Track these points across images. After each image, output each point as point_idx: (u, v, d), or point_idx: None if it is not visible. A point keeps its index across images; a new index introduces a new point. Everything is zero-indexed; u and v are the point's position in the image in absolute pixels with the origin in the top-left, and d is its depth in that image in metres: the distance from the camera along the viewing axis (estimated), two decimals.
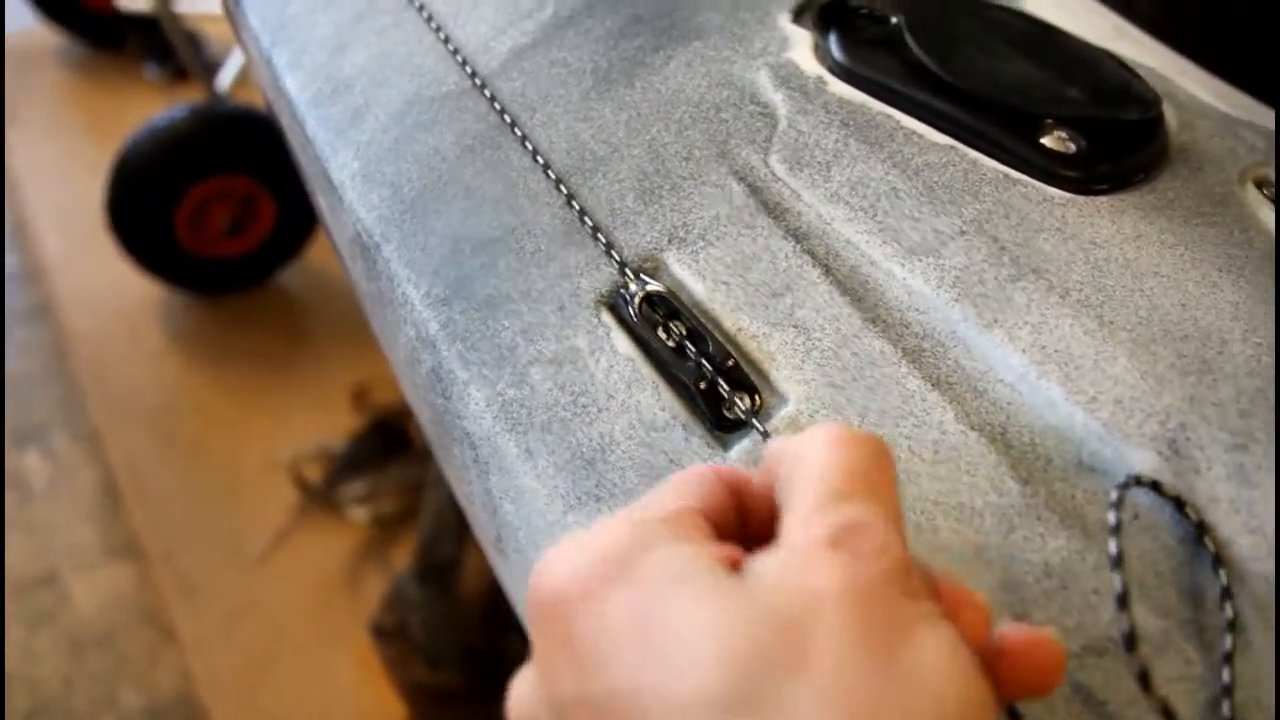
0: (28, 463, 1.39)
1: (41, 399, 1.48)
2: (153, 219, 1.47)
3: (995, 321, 0.34)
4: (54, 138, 1.97)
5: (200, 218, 1.50)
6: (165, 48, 1.98)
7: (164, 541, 1.28)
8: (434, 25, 0.48)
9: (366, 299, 0.47)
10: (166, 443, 1.41)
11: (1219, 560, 0.30)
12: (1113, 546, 0.28)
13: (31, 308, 1.65)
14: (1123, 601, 0.27)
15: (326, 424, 1.40)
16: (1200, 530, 0.31)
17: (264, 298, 1.62)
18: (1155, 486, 0.31)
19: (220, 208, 1.51)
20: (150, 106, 2.00)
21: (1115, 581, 0.27)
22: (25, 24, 2.12)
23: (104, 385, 1.49)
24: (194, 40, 1.88)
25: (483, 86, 0.44)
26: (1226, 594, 0.30)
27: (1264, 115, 0.52)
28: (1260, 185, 0.46)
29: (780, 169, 0.39)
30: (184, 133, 1.46)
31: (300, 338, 1.59)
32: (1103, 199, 0.40)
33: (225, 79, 1.66)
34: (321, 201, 0.49)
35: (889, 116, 0.41)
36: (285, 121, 0.52)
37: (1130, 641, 0.27)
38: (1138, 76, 0.47)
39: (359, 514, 1.30)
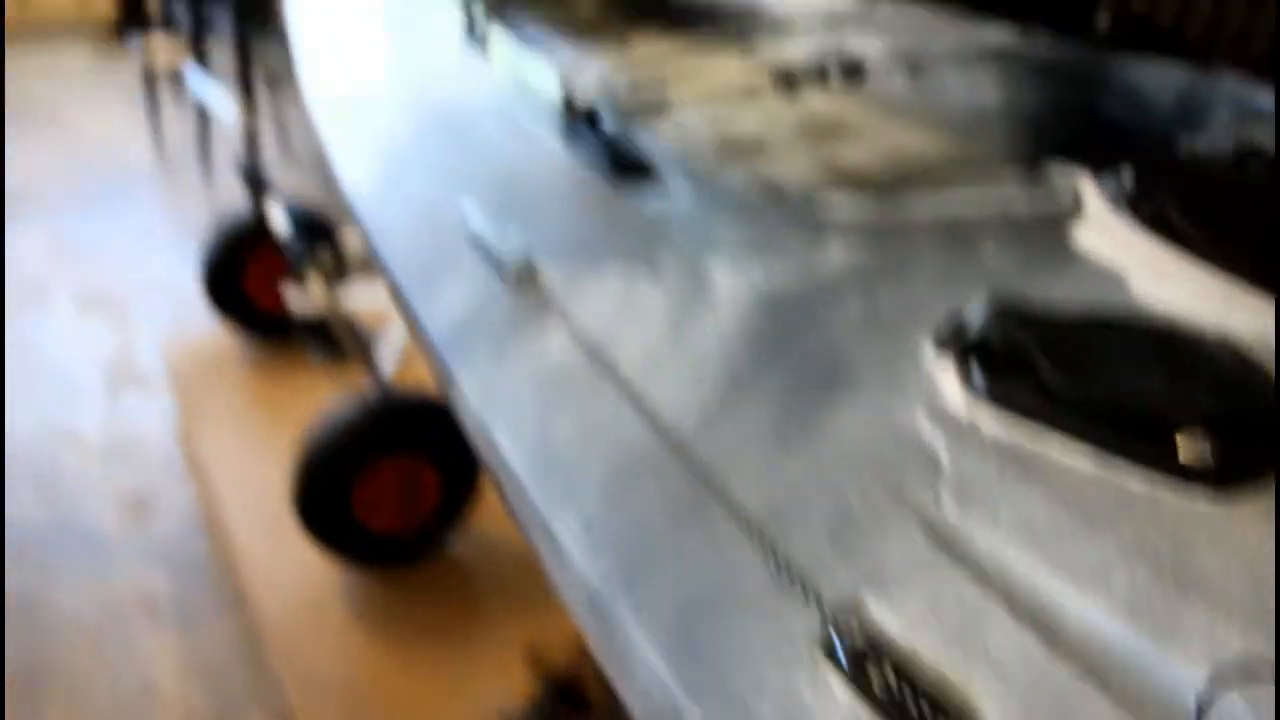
0: None
1: (238, 684, 1.59)
2: (332, 503, 1.61)
3: (1170, 642, 0.39)
4: (238, 430, 2.17)
5: (374, 497, 1.63)
6: (328, 336, 2.20)
7: None
8: (628, 395, 0.57)
9: (594, 640, 0.54)
10: (355, 716, 1.49)
11: None
12: None
13: (222, 595, 1.78)
14: None
15: (503, 687, 1.45)
16: None
17: (435, 567, 1.73)
18: None
19: (391, 486, 1.64)
20: (319, 391, 2.21)
21: None
22: (206, 327, 2.39)
23: (296, 667, 1.59)
24: (353, 329, 2.09)
25: (682, 453, 0.52)
26: None
27: None
28: None
29: (952, 511, 0.45)
30: (356, 424, 1.61)
31: (471, 603, 1.67)
32: (1244, 492, 0.45)
33: (387, 366, 1.83)
34: (542, 551, 0.57)
35: (1038, 445, 0.47)
36: (502, 480, 0.61)
37: None
38: (1254, 366, 0.52)
39: None
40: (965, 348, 0.52)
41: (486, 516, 1.75)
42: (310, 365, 2.30)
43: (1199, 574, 0.41)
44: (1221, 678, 0.35)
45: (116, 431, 2.15)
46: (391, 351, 1.86)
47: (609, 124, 0.82)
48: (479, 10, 1.39)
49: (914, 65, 1.35)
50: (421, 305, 0.73)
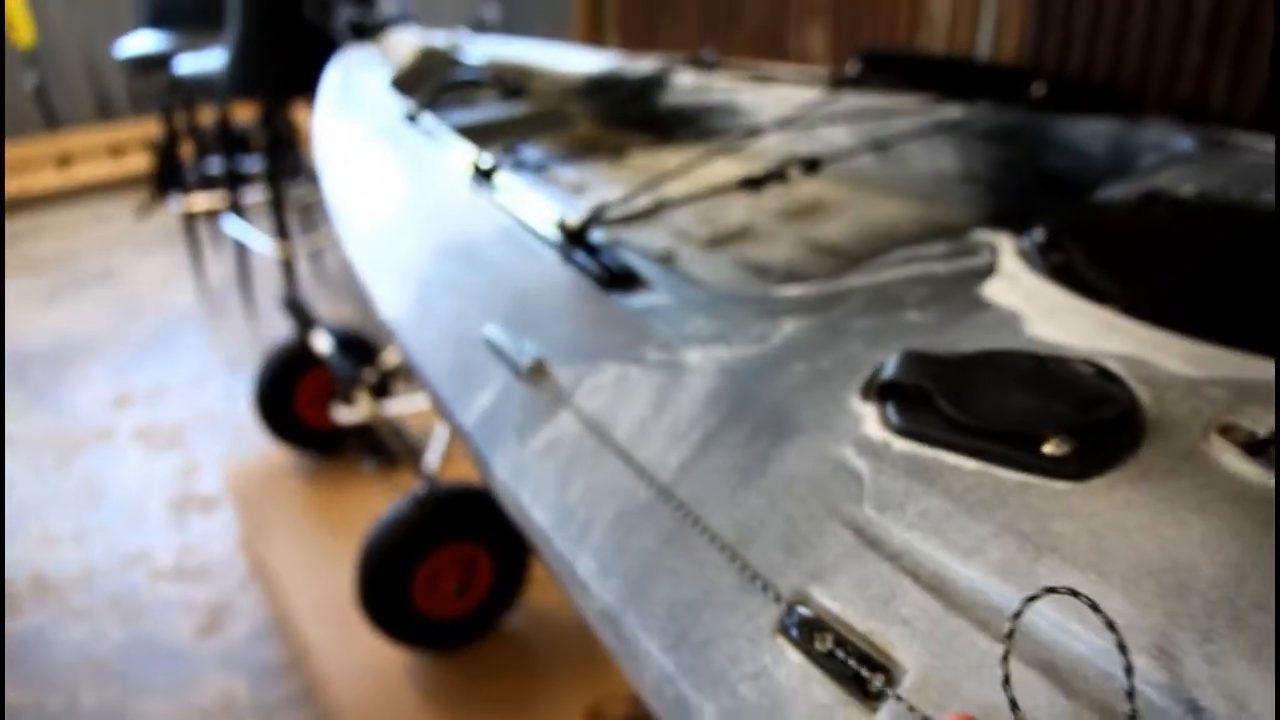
0: None
1: None
2: (395, 597, 1.75)
3: (1031, 590, 0.52)
4: (300, 538, 2.33)
5: (433, 586, 1.77)
6: (377, 444, 2.37)
7: None
8: (624, 456, 0.72)
9: (615, 653, 0.67)
10: None
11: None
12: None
13: (297, 692, 1.92)
14: None
15: None
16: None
17: (496, 645, 1.86)
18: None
19: (448, 574, 1.78)
20: (373, 495, 2.37)
21: None
22: (262, 449, 2.57)
23: None
24: (399, 433, 2.26)
25: (667, 497, 0.67)
26: None
27: (1229, 362, 0.70)
28: (1221, 431, 0.62)
29: (872, 513, 0.59)
30: (411, 519, 1.76)
31: (532, 673, 1.80)
32: (1097, 480, 0.58)
33: (433, 462, 1.99)
34: (567, 586, 0.72)
35: (937, 458, 0.61)
36: (532, 536, 0.76)
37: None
38: (1113, 378, 0.66)
39: None
40: (881, 391, 0.67)
41: (539, 592, 1.89)
42: (363, 474, 2.47)
43: (1054, 541, 0.55)
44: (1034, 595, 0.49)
45: (185, 550, 2.32)
46: (436, 451, 2.02)
47: (599, 239, 0.98)
48: (415, 105, 1.58)
49: (879, 145, 1.52)
50: (458, 407, 0.88)
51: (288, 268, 3.08)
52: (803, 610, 0.57)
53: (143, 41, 3.32)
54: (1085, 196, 1.15)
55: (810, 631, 0.56)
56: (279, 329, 3.17)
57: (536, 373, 0.83)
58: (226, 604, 2.14)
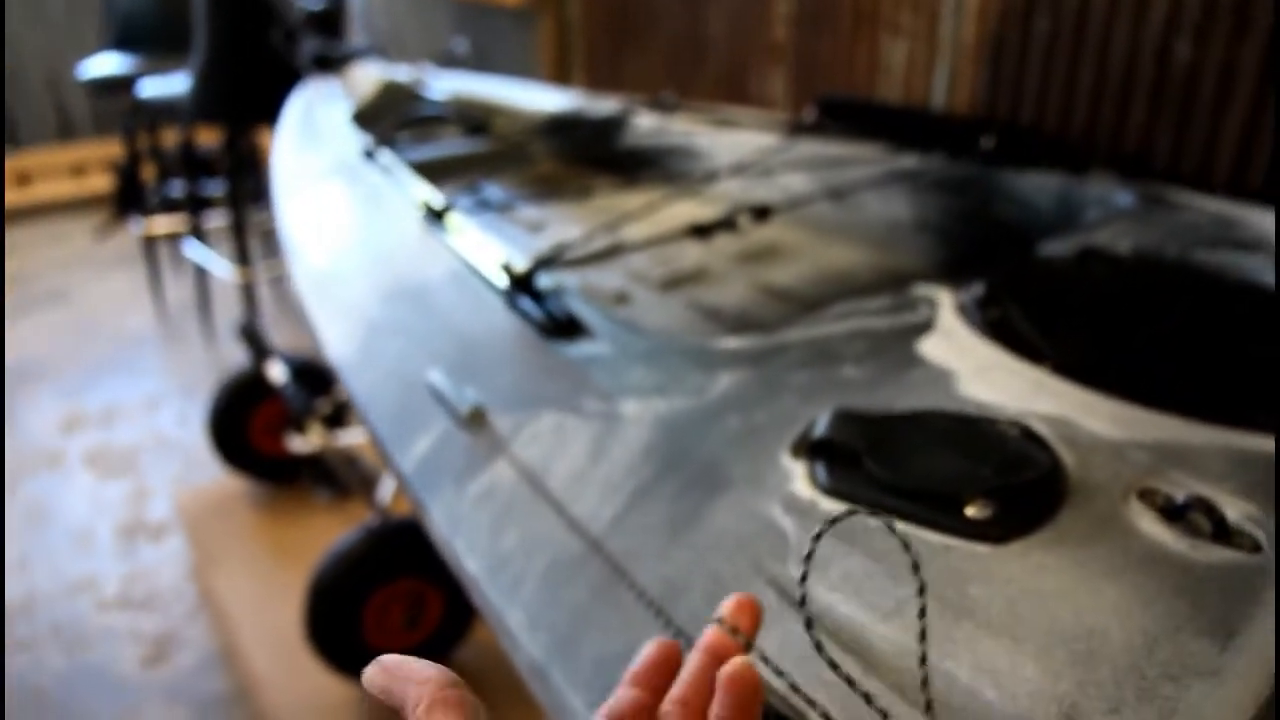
0: None
1: None
2: (344, 629, 1.74)
3: (946, 656, 0.53)
4: (250, 568, 2.30)
5: (382, 619, 1.76)
6: (330, 474, 2.35)
7: None
8: (557, 508, 0.72)
9: (545, 706, 0.67)
10: None
11: None
12: None
13: None
14: None
15: None
16: None
17: None
18: None
19: (398, 607, 1.77)
20: (325, 526, 2.35)
21: None
22: (215, 476, 2.54)
23: None
24: (352, 463, 2.25)
25: (598, 548, 0.67)
26: None
27: (1154, 425, 0.72)
28: (1141, 496, 0.64)
29: (796, 573, 0.60)
30: (360, 552, 1.75)
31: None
32: (1016, 544, 0.59)
33: (385, 496, 1.98)
34: (500, 637, 0.72)
35: (863, 519, 0.62)
36: (466, 585, 0.76)
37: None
38: (1037, 441, 0.68)
39: None
40: (811, 450, 0.68)
41: (487, 627, 1.88)
42: (316, 504, 2.45)
43: (971, 605, 0.56)
44: None
45: (133, 578, 2.28)
46: (389, 484, 2.01)
47: (546, 284, 0.99)
48: (373, 141, 1.59)
49: (833, 193, 1.54)
50: (397, 451, 0.88)
51: (248, 293, 3.07)
52: None
53: (107, 63, 3.30)
54: (1027, 248, 1.17)
55: None
56: (237, 355, 3.15)
57: (475, 420, 0.84)
58: (174, 634, 2.11)
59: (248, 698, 1.94)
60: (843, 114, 1.77)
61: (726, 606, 0.53)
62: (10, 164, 4.61)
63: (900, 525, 0.62)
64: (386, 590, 1.75)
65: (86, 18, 4.46)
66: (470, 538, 0.75)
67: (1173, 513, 0.61)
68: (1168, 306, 0.99)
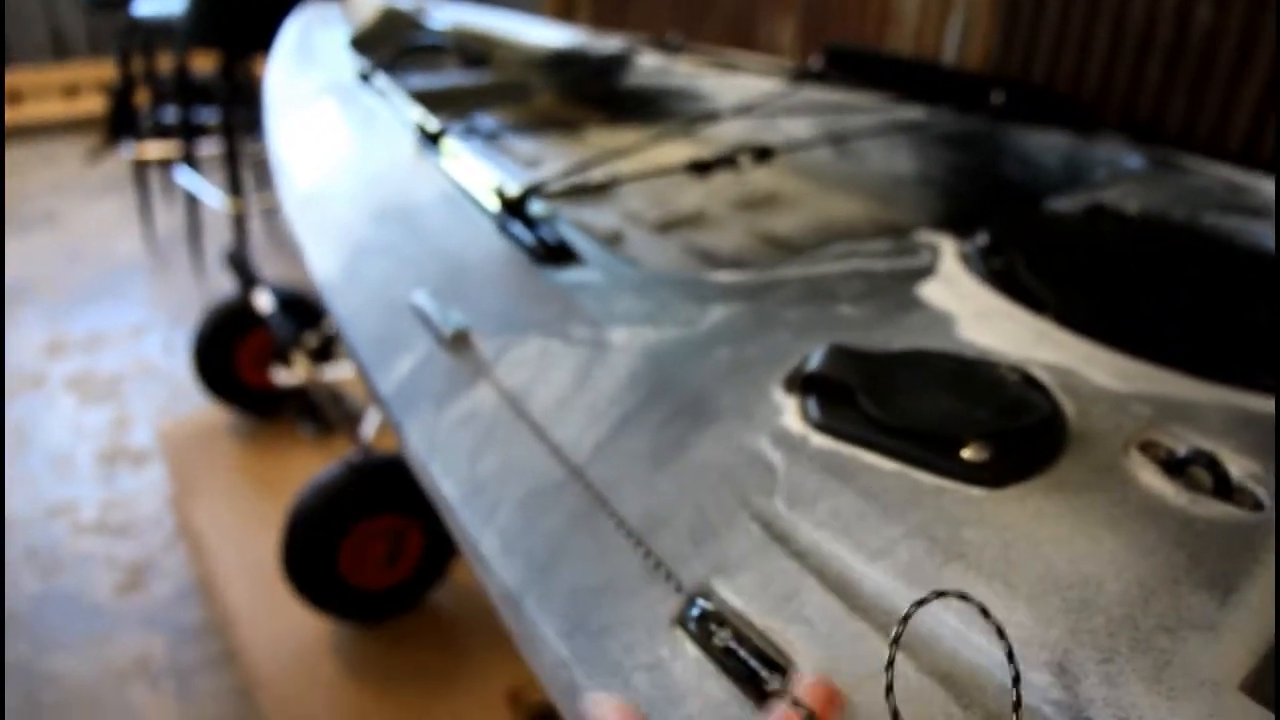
0: None
1: None
2: (321, 563, 1.72)
3: (935, 597, 0.51)
4: (230, 500, 2.28)
5: (361, 555, 1.74)
6: (315, 409, 2.33)
7: None
8: (539, 433, 0.70)
9: (515, 635, 0.66)
10: None
11: None
12: None
13: (217, 655, 1.88)
14: None
15: None
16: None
17: (421, 619, 1.83)
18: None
19: (377, 544, 1.75)
20: (308, 460, 2.33)
21: None
22: (199, 406, 2.52)
23: (290, 718, 1.68)
24: (337, 399, 2.22)
25: (578, 476, 0.65)
26: None
27: (1155, 379, 0.69)
28: (1142, 448, 0.62)
29: (783, 508, 0.58)
30: (341, 485, 1.72)
31: (456, 648, 1.78)
32: (1013, 489, 0.57)
33: (369, 431, 1.96)
34: (473, 564, 0.70)
35: (855, 456, 0.60)
36: (440, 509, 0.74)
37: None
38: (1037, 386, 0.65)
39: None
40: (803, 384, 0.65)
41: (467, 568, 1.87)
42: (300, 438, 2.42)
43: (963, 547, 0.53)
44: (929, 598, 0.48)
45: (111, 505, 2.26)
46: (373, 420, 1.99)
47: (538, 212, 0.96)
48: (370, 65, 1.55)
49: (835, 139, 1.51)
50: (377, 372, 0.86)
51: (239, 224, 3.02)
52: (704, 603, 0.55)
53: None
54: (1032, 204, 1.14)
55: (709, 625, 0.54)
56: (226, 285, 3.11)
57: (459, 341, 0.81)
58: (150, 562, 2.09)
59: (223, 629, 1.93)
60: (850, 63, 1.73)
61: (805, 687, 0.48)
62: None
63: (893, 465, 0.60)
64: (365, 526, 1.73)
65: None
66: (447, 461, 0.72)
67: (1174, 466, 0.59)
68: (1173, 267, 0.96)
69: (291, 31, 1.89)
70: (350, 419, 2.10)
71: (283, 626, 1.88)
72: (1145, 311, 0.84)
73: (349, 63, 1.62)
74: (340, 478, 1.73)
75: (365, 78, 1.50)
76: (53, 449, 2.43)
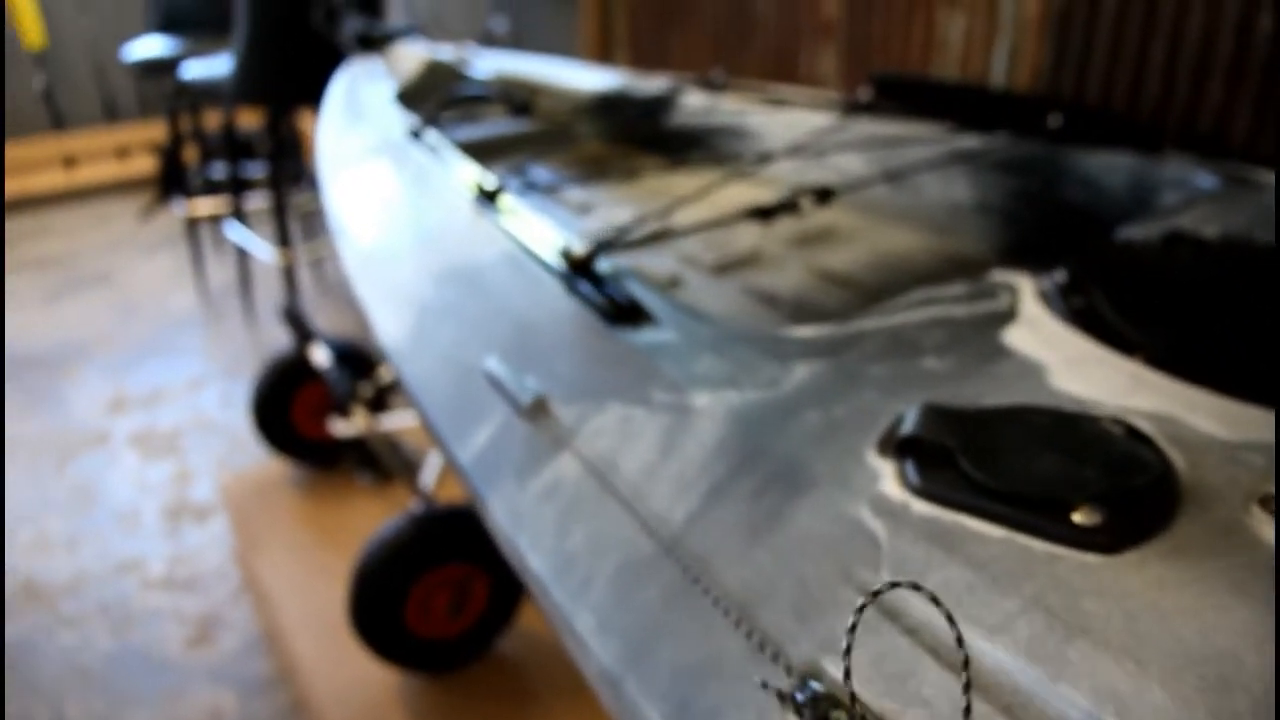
0: None
1: None
2: (388, 615, 1.72)
3: (1059, 677, 0.49)
4: (293, 552, 2.29)
5: (427, 606, 1.74)
6: (373, 459, 2.34)
7: None
8: (627, 506, 0.68)
9: (615, 715, 0.64)
10: None
11: None
12: None
13: (286, 708, 1.88)
14: None
15: None
16: None
17: (489, 667, 1.82)
18: None
19: (442, 594, 1.74)
20: (368, 510, 2.34)
21: None
22: (258, 458, 2.54)
23: None
24: (395, 448, 2.23)
25: (672, 552, 0.63)
26: None
27: (1263, 424, 0.66)
28: (1263, 503, 0.59)
29: (887, 578, 0.56)
30: (406, 538, 1.72)
31: (526, 699, 1.76)
32: (1130, 554, 0.55)
33: (429, 481, 1.96)
34: (566, 641, 0.68)
35: (959, 523, 0.58)
36: (531, 585, 0.73)
37: None
38: (1144, 440, 0.63)
39: None
40: (899, 447, 0.63)
41: (533, 615, 1.85)
42: (359, 488, 2.43)
43: (1086, 621, 0.51)
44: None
45: (178, 560, 2.29)
46: (433, 469, 1.99)
47: (604, 269, 0.95)
48: (419, 121, 1.55)
49: (893, 175, 1.49)
50: (453, 441, 0.85)
51: (289, 275, 3.06)
52: (815, 685, 0.53)
53: (151, 46, 3.30)
54: (1104, 232, 1.12)
55: (824, 708, 0.52)
56: (278, 336, 3.14)
57: (537, 410, 0.80)
58: (217, 616, 2.11)
59: (290, 681, 1.93)
60: (899, 92, 1.71)
61: None
62: (57, 146, 4.64)
63: (1001, 531, 0.57)
64: (431, 577, 1.72)
65: (132, 3, 4.48)
66: (534, 535, 0.71)
67: None
68: (1263, 295, 0.93)
69: (338, 89, 1.92)
70: (409, 467, 2.11)
71: (350, 677, 1.88)
72: (1238, 347, 0.82)
73: (397, 118, 1.64)
74: (403, 531, 1.73)
75: (416, 134, 1.51)
76: (119, 506, 2.46)
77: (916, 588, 0.45)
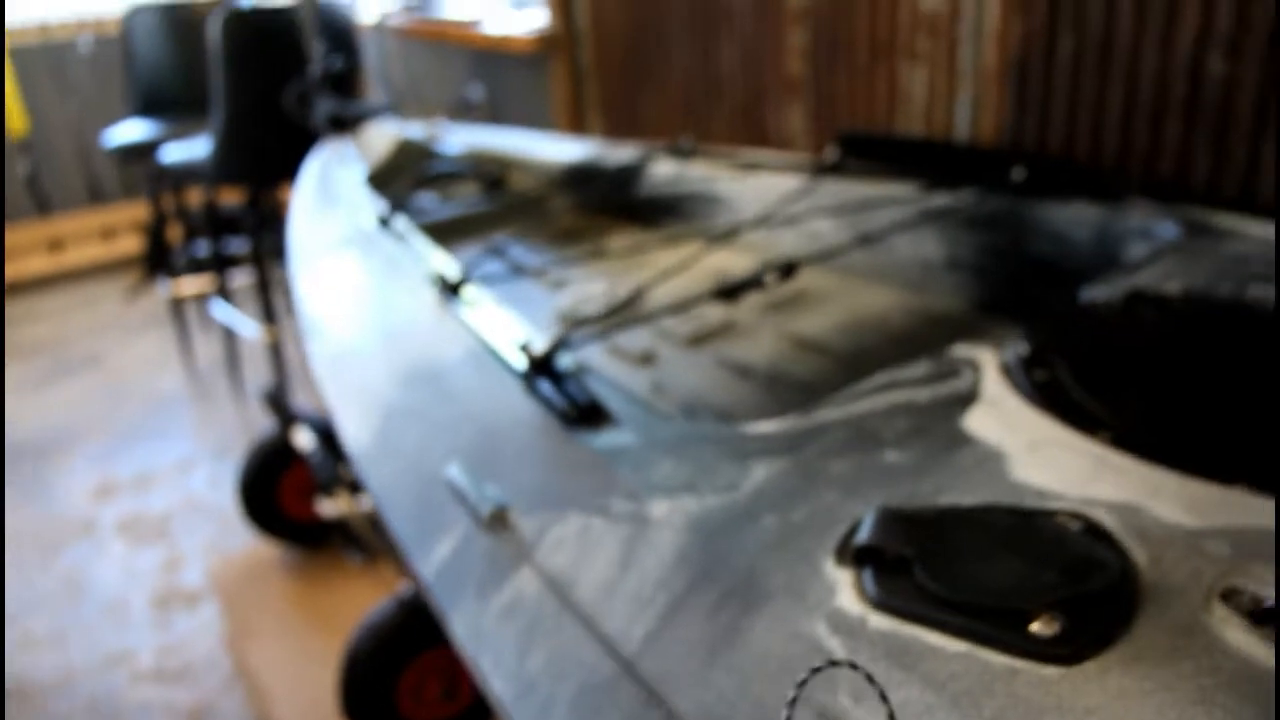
0: None
1: None
2: (379, 703, 1.69)
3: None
4: (284, 637, 2.27)
5: (419, 691, 1.72)
6: (359, 539, 2.32)
7: None
8: (586, 624, 0.67)
9: None
10: None
11: None
12: None
13: None
14: None
15: None
16: None
17: None
18: None
19: (434, 678, 1.72)
20: (358, 590, 2.32)
21: None
22: (247, 541, 2.53)
23: None
24: (380, 529, 2.21)
25: (631, 672, 0.62)
26: None
27: (1229, 505, 0.66)
28: (1225, 597, 0.58)
29: (848, 704, 0.55)
30: (394, 624, 1.70)
31: None
32: (1091, 664, 0.54)
33: None
34: None
35: (917, 637, 0.57)
36: (493, 705, 0.71)
37: None
38: (1104, 537, 0.62)
39: None
40: (856, 556, 0.63)
41: None
42: (348, 567, 2.41)
43: None
44: None
45: (168, 650, 2.26)
46: None
47: (565, 364, 0.95)
48: (388, 207, 1.56)
49: (864, 239, 1.49)
50: (416, 553, 0.84)
51: (274, 352, 3.05)
52: None
53: (130, 130, 3.33)
54: (1068, 288, 1.12)
55: None
56: (267, 414, 3.14)
57: (497, 521, 0.79)
58: (209, 706, 2.08)
59: None
60: (865, 150, 1.72)
61: None
62: (43, 230, 4.67)
63: (959, 645, 0.56)
64: (421, 662, 1.70)
65: (112, 88, 4.52)
66: (496, 656, 0.70)
67: (1260, 616, 0.56)
68: (1224, 356, 0.93)
69: (309, 174, 1.93)
70: (394, 547, 2.09)
71: None
72: (1201, 418, 0.81)
73: (368, 204, 1.64)
74: (391, 616, 1.71)
75: (384, 221, 1.51)
76: (107, 596, 2.44)
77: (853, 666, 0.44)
